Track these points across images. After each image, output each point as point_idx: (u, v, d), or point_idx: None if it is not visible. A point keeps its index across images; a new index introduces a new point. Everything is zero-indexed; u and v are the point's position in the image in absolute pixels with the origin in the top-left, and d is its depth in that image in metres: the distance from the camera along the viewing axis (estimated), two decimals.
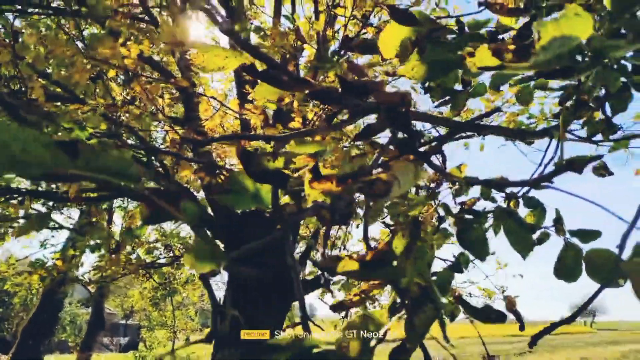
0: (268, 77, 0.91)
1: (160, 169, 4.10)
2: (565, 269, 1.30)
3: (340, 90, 0.78)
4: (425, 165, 0.90)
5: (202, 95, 3.40)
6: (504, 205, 1.42)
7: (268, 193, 0.84)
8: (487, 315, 1.13)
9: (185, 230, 7.09)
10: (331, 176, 0.67)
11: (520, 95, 1.91)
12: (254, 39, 5.10)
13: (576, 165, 1.12)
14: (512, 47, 0.58)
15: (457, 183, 1.32)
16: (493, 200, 1.65)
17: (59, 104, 3.72)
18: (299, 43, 3.89)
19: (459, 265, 1.30)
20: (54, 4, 4.51)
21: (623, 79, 1.42)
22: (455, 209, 1.31)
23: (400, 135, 1.01)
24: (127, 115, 2.91)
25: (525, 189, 1.65)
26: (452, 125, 1.23)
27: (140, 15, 4.10)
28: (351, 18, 4.35)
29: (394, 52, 0.92)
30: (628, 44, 0.73)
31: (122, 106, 3.09)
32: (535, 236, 1.62)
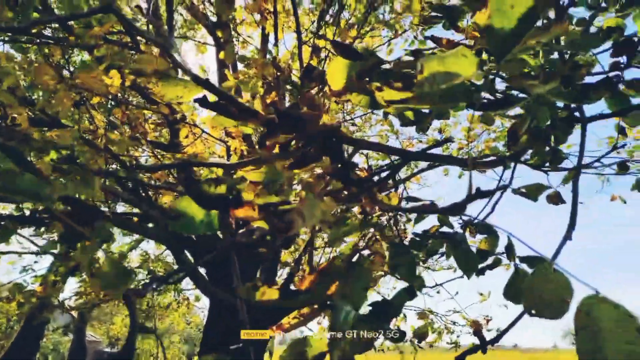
0: (218, 108, 0.97)
1: (143, 194, 4.13)
2: (513, 292, 1.37)
3: (277, 121, 0.85)
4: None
5: (182, 122, 3.48)
6: (460, 232, 1.48)
7: (216, 218, 0.89)
8: None
9: (172, 255, 7.06)
10: (253, 204, 0.73)
11: (484, 118, 2.02)
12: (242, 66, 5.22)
13: (486, 194, 1.19)
14: (398, 84, 0.65)
15: (398, 211, 1.39)
16: (451, 226, 1.71)
17: (44, 129, 3.77)
18: (281, 72, 4.00)
19: (412, 289, 1.34)
20: (45, 32, 4.61)
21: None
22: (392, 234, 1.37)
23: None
24: (109, 140, 2.97)
25: (483, 215, 1.73)
26: (402, 154, 1.29)
27: (127, 43, 4.20)
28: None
29: (341, 84, 1.00)
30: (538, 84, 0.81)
31: (105, 131, 3.14)
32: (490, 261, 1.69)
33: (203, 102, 0.98)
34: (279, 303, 0.75)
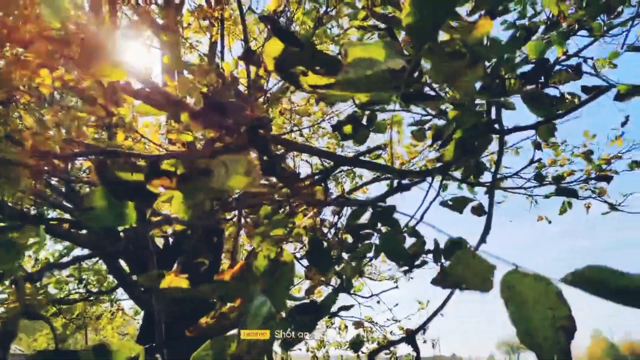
0: (142, 96, 0.96)
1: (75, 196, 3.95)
2: (439, 278, 1.44)
3: (204, 109, 0.85)
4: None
5: (119, 126, 3.37)
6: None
7: (133, 211, 0.87)
8: None
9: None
10: (171, 173, 0.72)
11: (416, 134, 2.10)
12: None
13: (405, 187, 1.26)
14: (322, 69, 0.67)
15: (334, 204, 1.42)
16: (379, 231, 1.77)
17: None
18: (224, 81, 3.97)
19: (342, 287, 1.38)
20: None
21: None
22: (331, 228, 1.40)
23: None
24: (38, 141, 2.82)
25: (413, 221, 1.80)
26: (333, 158, 1.33)
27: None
28: None
29: (273, 65, 1.01)
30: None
31: (34, 131, 2.98)
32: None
33: (127, 88, 0.97)
34: (188, 292, 0.74)
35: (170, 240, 4.62)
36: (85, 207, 0.83)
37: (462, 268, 0.65)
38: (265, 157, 0.90)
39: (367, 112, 1.69)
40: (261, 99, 4.11)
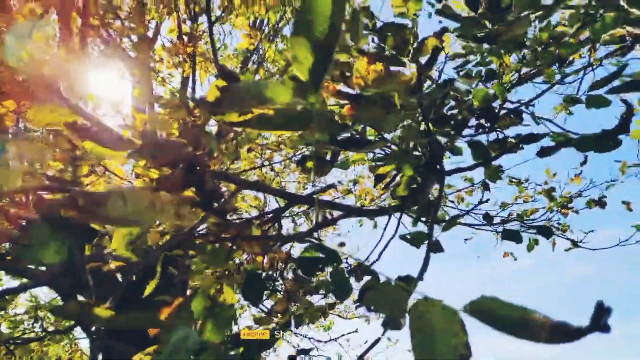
0: (89, 135, 0.97)
1: None
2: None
3: (141, 148, 0.87)
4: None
5: (81, 159, 3.33)
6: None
7: (67, 246, 0.86)
8: None
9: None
10: (74, 204, 0.73)
11: (374, 172, 2.14)
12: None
13: (332, 221, 1.28)
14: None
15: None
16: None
17: None
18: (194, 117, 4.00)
19: (289, 324, 1.37)
20: None
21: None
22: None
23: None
24: None
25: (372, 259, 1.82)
26: (287, 197, 1.35)
27: None
28: None
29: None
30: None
31: None
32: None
33: (71, 126, 0.98)
34: (113, 324, 0.73)
35: (137, 274, 4.49)
36: (22, 242, 0.82)
37: (378, 294, 0.67)
38: (203, 195, 0.91)
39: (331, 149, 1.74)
40: (231, 134, 4.14)
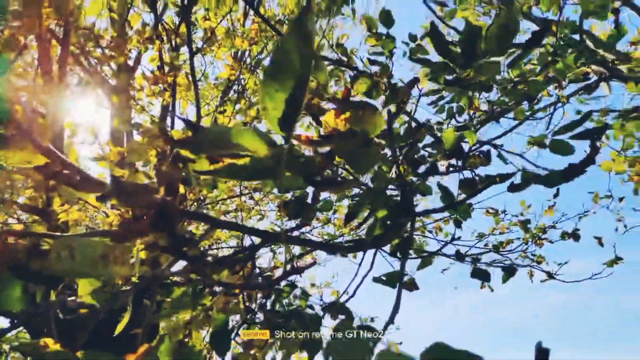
0: (59, 178, 0.97)
1: None
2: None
3: (111, 192, 0.87)
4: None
5: (54, 190, 3.28)
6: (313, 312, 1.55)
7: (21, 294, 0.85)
8: None
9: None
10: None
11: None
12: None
13: (300, 270, 1.30)
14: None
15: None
16: (311, 307, 1.77)
17: None
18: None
19: None
20: None
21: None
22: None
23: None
24: None
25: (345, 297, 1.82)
26: (259, 234, 1.35)
27: None
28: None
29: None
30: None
31: None
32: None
33: (41, 169, 0.97)
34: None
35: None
36: None
37: (340, 346, 0.67)
38: (172, 239, 0.91)
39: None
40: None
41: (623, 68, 4.22)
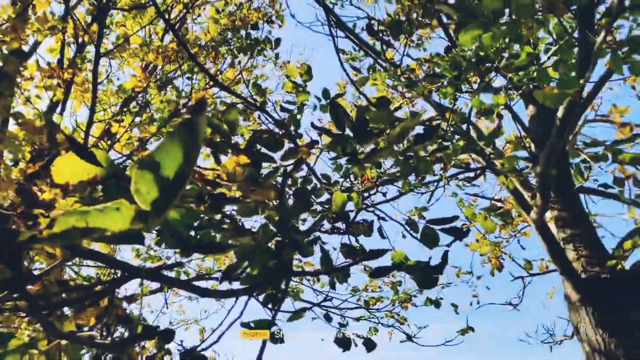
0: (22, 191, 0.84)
1: None
2: None
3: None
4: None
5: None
6: None
7: None
8: None
9: None
10: None
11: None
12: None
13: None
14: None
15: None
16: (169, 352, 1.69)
17: None
18: (55, 145, 3.67)
19: None
20: None
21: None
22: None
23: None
24: None
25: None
26: (123, 268, 1.27)
27: None
28: None
29: (64, 179, 0.95)
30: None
31: None
32: None
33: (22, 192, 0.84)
34: None
35: None
36: None
37: None
38: (15, 274, 0.82)
39: None
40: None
41: (497, 162, 4.82)
